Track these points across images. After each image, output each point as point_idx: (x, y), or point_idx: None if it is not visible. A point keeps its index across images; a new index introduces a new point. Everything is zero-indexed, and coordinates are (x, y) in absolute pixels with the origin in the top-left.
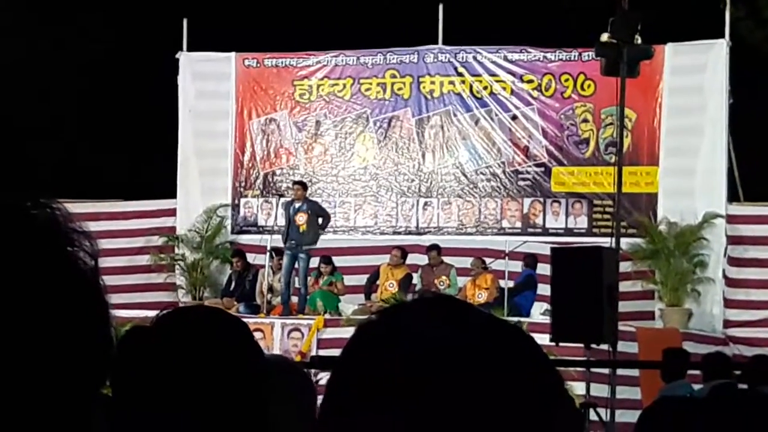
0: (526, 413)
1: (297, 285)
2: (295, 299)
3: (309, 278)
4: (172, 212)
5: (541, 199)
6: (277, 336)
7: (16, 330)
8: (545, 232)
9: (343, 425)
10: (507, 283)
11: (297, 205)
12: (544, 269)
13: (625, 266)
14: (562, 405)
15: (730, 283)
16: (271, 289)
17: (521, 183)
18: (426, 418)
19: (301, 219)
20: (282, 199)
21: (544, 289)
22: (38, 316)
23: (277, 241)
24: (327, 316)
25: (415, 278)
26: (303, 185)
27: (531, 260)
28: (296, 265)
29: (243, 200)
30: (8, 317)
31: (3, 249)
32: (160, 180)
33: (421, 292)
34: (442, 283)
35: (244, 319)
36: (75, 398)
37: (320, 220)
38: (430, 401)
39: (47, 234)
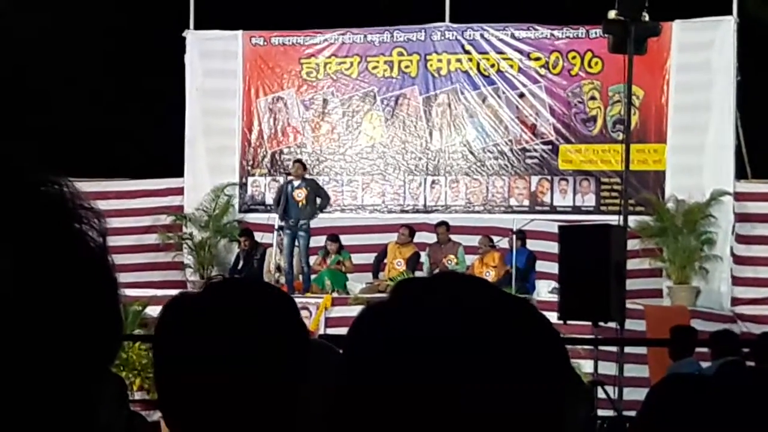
0: (537, 389)
1: (302, 263)
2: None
3: (316, 257)
4: (179, 191)
5: (549, 177)
6: None
7: (22, 306)
8: (553, 210)
9: (357, 403)
10: (516, 262)
11: (296, 183)
12: (551, 247)
13: (632, 244)
14: (571, 381)
15: (738, 260)
16: (279, 267)
17: (528, 161)
18: (437, 393)
19: (300, 195)
20: (281, 179)
21: (551, 267)
22: (45, 293)
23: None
24: (335, 294)
25: (423, 257)
26: (303, 165)
27: (523, 237)
28: (296, 243)
29: (250, 179)
30: (15, 293)
31: (11, 225)
32: (168, 159)
33: (429, 272)
34: (450, 262)
35: None
36: (82, 376)
37: (318, 200)
38: (440, 376)
39: (55, 210)
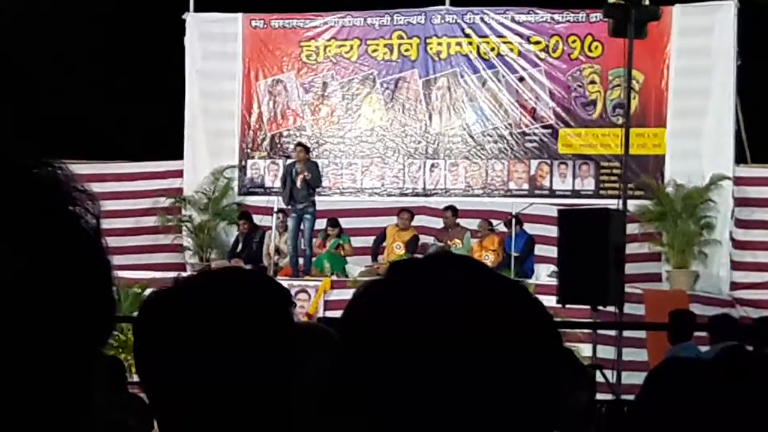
0: (531, 368)
1: (303, 246)
2: (301, 260)
3: (316, 240)
4: (179, 173)
5: (548, 161)
6: None
7: (14, 289)
8: (552, 194)
9: (351, 378)
10: (514, 246)
11: (298, 167)
12: (551, 231)
13: (632, 228)
14: (575, 368)
15: (737, 245)
16: (278, 250)
17: (528, 145)
18: (432, 370)
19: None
20: (281, 162)
21: (551, 251)
22: (37, 275)
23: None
24: (334, 277)
25: (432, 241)
26: (305, 148)
27: (520, 221)
28: (302, 226)
29: (250, 162)
30: (7, 276)
31: (3, 207)
32: (168, 141)
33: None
34: (455, 246)
35: None
36: (75, 359)
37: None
38: (436, 354)
39: (48, 193)
